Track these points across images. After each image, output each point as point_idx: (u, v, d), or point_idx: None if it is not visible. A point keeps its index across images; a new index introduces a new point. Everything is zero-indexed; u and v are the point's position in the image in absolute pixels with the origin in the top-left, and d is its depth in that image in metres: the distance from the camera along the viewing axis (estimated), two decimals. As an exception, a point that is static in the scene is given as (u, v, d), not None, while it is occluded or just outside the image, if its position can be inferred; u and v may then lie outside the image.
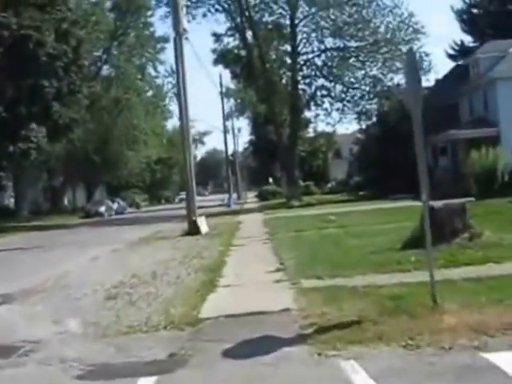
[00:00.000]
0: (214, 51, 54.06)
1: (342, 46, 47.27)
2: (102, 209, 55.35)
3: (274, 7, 47.17)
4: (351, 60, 47.46)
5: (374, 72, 47.20)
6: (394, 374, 5.54)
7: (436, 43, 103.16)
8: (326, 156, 75.49)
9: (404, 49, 41.31)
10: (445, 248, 11.33)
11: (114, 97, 62.53)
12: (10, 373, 6.51)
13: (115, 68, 63.66)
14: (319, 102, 49.03)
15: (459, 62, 50.09)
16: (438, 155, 40.52)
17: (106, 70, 63.94)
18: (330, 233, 18.50)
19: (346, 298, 8.31)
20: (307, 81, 48.99)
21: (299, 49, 47.71)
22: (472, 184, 30.27)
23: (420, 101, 7.79)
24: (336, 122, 54.96)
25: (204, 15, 47.05)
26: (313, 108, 50.36)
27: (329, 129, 60.49)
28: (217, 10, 47.55)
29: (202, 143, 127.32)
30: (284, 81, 51.00)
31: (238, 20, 47.34)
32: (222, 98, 65.86)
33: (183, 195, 48.66)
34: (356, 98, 48.19)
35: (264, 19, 47.99)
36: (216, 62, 54.99)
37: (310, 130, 65.18)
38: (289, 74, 49.04)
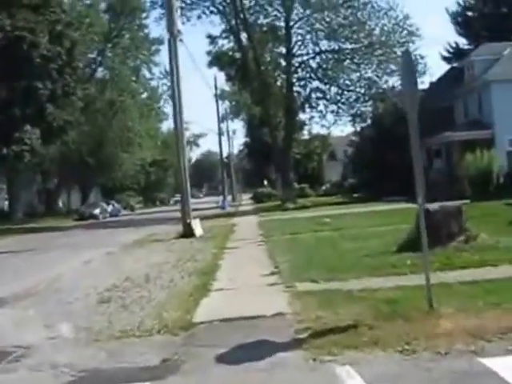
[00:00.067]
0: (208, 53, 53.97)
1: (336, 48, 47.22)
2: (97, 211, 55.14)
3: (269, 9, 47.11)
4: (346, 62, 47.41)
5: (369, 74, 47.21)
6: (390, 379, 5.47)
7: (431, 45, 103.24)
8: (321, 158, 75.53)
9: (399, 51, 41.27)
10: (440, 251, 11.28)
11: (109, 99, 62.40)
12: (1, 379, 6.42)
13: (110, 70, 63.52)
14: (314, 104, 49.02)
15: (454, 65, 50.22)
16: (433, 157, 40.55)
17: (100, 72, 63.84)
18: (325, 235, 18.44)
19: (342, 302, 8.24)
20: (302, 83, 48.98)
21: (294, 51, 47.65)
22: (466, 186, 30.34)
23: (416, 103, 7.73)
24: (331, 124, 54.94)
25: (199, 17, 47.01)
26: (307, 110, 50.33)
27: (323, 131, 60.54)
28: (211, 11, 47.52)
29: (197, 145, 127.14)
30: (279, 83, 50.92)
31: (233, 22, 47.23)
32: (217, 100, 65.92)
33: (178, 197, 48.49)
34: (351, 100, 48.16)
35: (259, 21, 47.91)
36: (211, 64, 54.93)
37: (305, 132, 65.31)
38: (284, 76, 48.97)
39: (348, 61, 47.27)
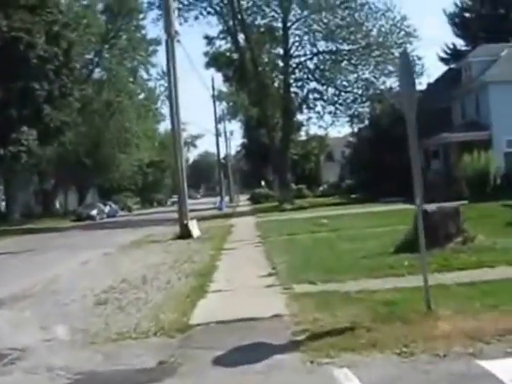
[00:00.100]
0: (206, 54, 54.02)
1: (334, 49, 47.21)
2: (94, 212, 55.08)
3: (267, 10, 47.08)
4: (343, 63, 47.38)
5: (367, 75, 47.17)
6: (388, 382, 5.44)
7: (428, 47, 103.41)
8: (318, 159, 75.55)
9: (396, 52, 41.30)
10: (438, 252, 11.25)
11: (106, 100, 62.35)
12: (-4, 381, 6.38)
13: (107, 71, 63.48)
14: (311, 105, 49.00)
15: (451, 66, 50.23)
16: (430, 158, 40.55)
17: (97, 72, 63.81)
18: (323, 236, 18.41)
19: (339, 304, 8.20)
20: (299, 84, 48.93)
21: (291, 52, 47.62)
22: (464, 187, 30.34)
23: (414, 104, 7.70)
24: (328, 125, 55.02)
25: (196, 18, 46.89)
26: (305, 111, 50.36)
27: (321, 132, 60.66)
28: (209, 12, 47.44)
29: (194, 146, 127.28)
30: (276, 84, 50.92)
31: (231, 23, 47.18)
32: (214, 101, 65.87)
33: (175, 198, 48.44)
34: (348, 101, 48.14)
35: (256, 22, 47.88)
36: (208, 64, 54.95)
37: (303, 133, 65.40)
38: (281, 77, 48.93)
39: (345, 62, 47.24)
